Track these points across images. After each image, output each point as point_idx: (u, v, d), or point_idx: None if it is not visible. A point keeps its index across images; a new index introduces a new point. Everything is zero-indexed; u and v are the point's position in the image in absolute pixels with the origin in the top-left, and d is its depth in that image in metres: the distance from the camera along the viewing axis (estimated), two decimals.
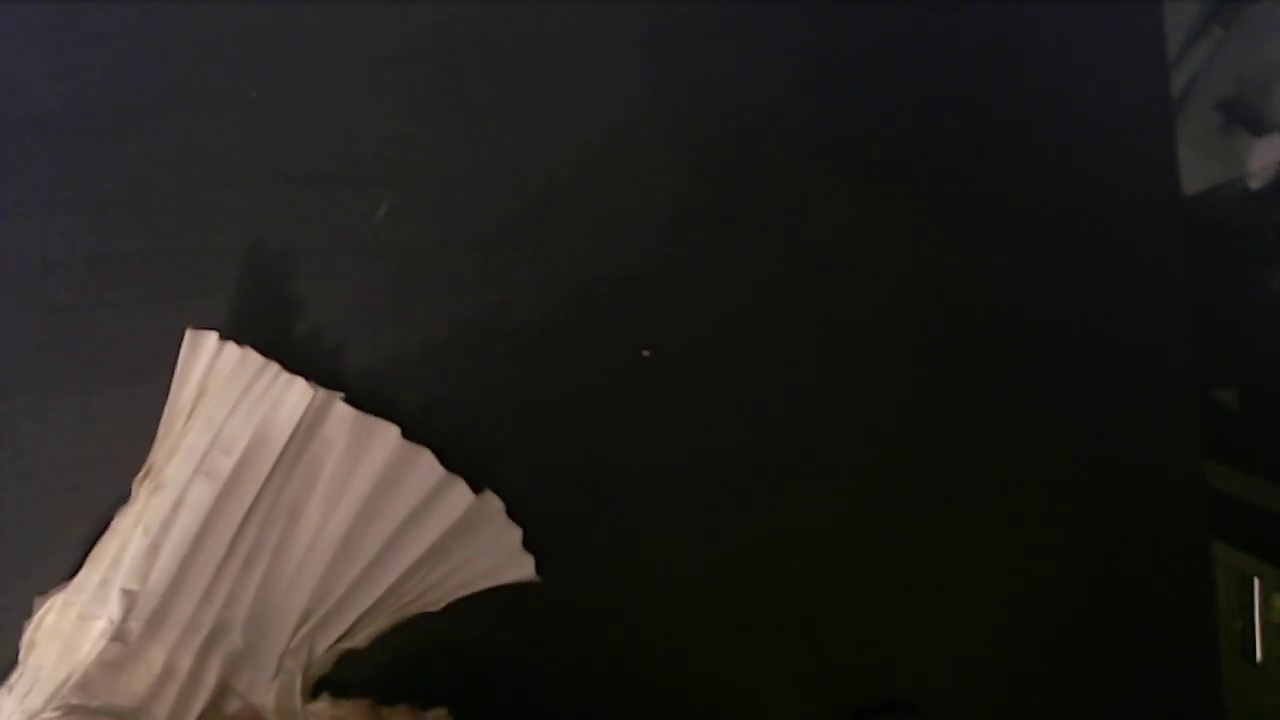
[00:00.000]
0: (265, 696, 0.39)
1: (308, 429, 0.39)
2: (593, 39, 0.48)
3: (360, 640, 0.42)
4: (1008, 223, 0.53)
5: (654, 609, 0.46)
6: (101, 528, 0.40)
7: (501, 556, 0.44)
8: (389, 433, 0.41)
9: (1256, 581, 0.80)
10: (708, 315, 0.48)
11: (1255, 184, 0.97)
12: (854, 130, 0.51)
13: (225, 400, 0.39)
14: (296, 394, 0.39)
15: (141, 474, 0.39)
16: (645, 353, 0.47)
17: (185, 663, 0.37)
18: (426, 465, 0.41)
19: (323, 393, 0.40)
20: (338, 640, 0.41)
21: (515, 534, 0.44)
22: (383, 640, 0.42)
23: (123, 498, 0.40)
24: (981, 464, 0.51)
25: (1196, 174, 0.99)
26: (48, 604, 0.38)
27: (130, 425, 0.40)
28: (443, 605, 0.43)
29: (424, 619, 0.42)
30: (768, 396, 0.48)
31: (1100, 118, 0.55)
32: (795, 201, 0.50)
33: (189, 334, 0.39)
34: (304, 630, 0.40)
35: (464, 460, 0.45)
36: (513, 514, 0.45)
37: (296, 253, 0.39)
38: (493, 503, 0.43)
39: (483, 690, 0.44)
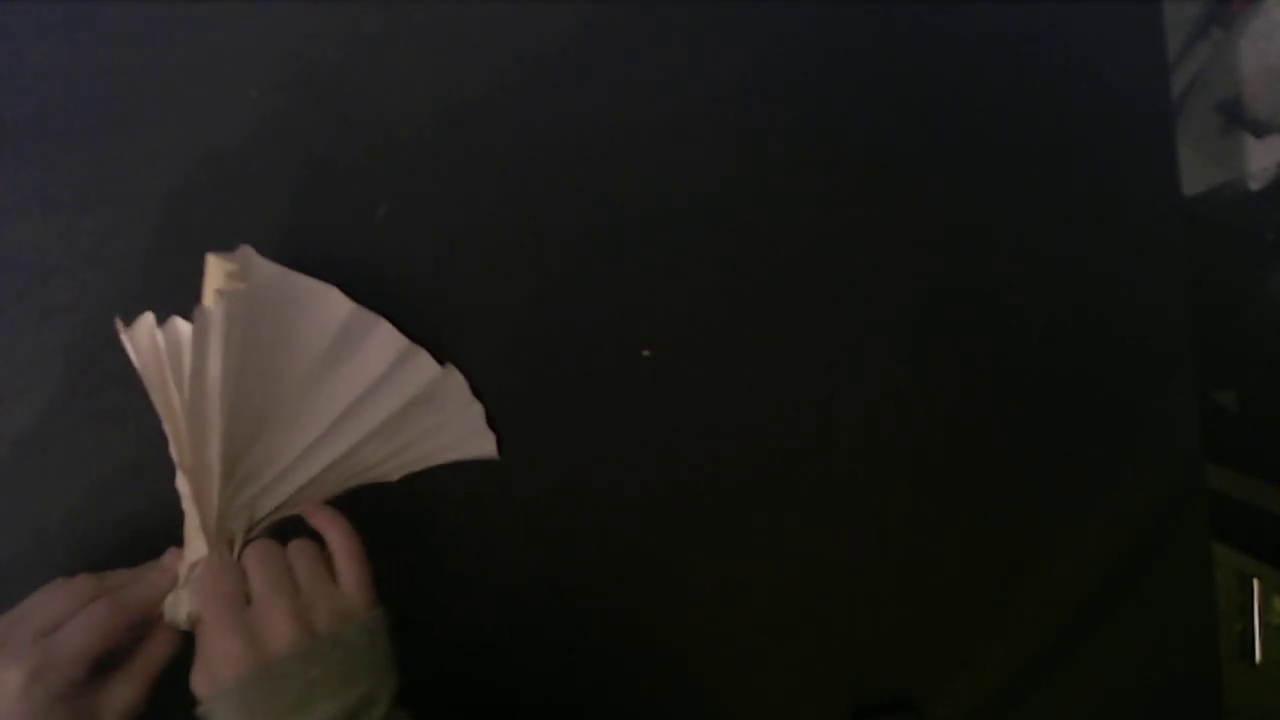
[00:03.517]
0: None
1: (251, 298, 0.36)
2: (592, 41, 0.48)
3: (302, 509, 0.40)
4: (1006, 224, 0.53)
5: (655, 609, 0.46)
6: (100, 525, 0.40)
7: (463, 432, 0.43)
8: (333, 296, 0.38)
9: (1256, 583, 0.80)
10: (708, 315, 0.48)
11: (1255, 185, 0.97)
12: (853, 130, 0.51)
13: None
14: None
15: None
16: (645, 353, 0.47)
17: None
18: (385, 334, 0.39)
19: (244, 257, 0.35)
20: (278, 507, 0.39)
21: (477, 409, 0.43)
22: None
23: (121, 496, 0.40)
24: (981, 467, 0.51)
25: (1196, 175, 0.99)
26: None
27: (130, 424, 0.40)
28: (399, 477, 0.42)
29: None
30: (767, 397, 0.48)
31: (1100, 119, 0.55)
32: (796, 202, 0.50)
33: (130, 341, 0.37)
34: (245, 495, 0.38)
35: (461, 461, 0.45)
36: (513, 518, 0.45)
37: (297, 252, 0.39)
38: (456, 377, 0.42)
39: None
